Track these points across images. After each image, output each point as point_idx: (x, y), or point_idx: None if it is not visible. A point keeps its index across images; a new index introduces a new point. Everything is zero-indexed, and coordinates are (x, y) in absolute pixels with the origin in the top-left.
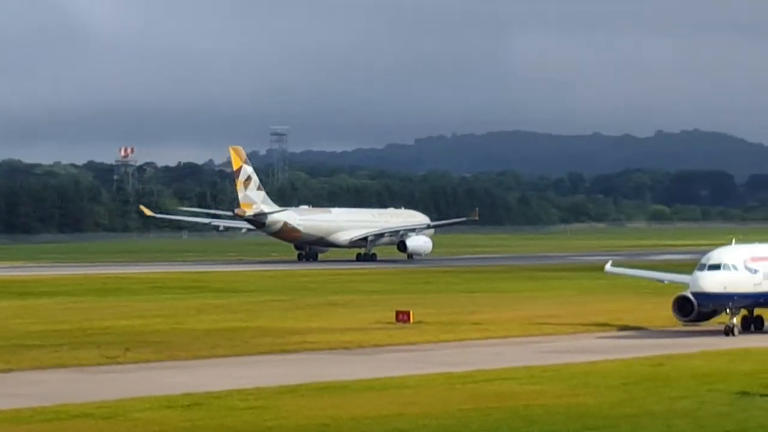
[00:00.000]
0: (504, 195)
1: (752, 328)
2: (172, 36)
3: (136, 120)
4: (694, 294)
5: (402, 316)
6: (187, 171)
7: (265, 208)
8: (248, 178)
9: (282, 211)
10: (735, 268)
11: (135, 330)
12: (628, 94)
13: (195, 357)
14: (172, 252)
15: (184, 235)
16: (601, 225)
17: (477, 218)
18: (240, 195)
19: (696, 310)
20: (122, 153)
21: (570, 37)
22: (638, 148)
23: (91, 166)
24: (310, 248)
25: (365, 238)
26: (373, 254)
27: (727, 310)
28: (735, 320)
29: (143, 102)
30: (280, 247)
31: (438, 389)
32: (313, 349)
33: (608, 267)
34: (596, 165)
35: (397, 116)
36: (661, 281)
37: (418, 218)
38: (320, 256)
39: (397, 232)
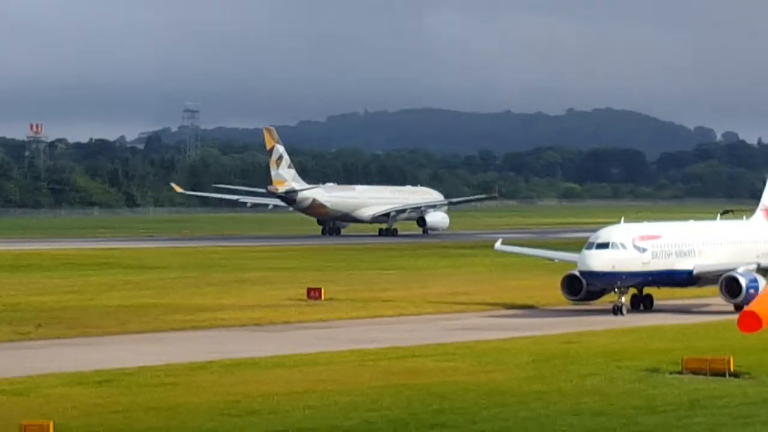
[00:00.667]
0: (415, 172)
1: (642, 307)
2: (82, 13)
3: (48, 97)
4: (582, 273)
5: (313, 293)
6: (99, 147)
7: (296, 186)
8: (280, 157)
9: (311, 188)
10: (623, 246)
11: (46, 306)
12: (539, 73)
13: (106, 333)
14: (84, 228)
15: (96, 211)
16: (512, 202)
17: (496, 195)
18: (272, 173)
19: (585, 289)
20: (32, 130)
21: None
22: (550, 126)
23: (2, 142)
24: (333, 223)
25: (387, 214)
26: (395, 229)
27: (616, 290)
28: (623, 299)
29: (55, 79)
30: (192, 224)
31: (349, 366)
32: (224, 326)
33: (498, 245)
34: (508, 143)
35: (309, 93)
36: (552, 260)
37: (434, 195)
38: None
39: (419, 208)
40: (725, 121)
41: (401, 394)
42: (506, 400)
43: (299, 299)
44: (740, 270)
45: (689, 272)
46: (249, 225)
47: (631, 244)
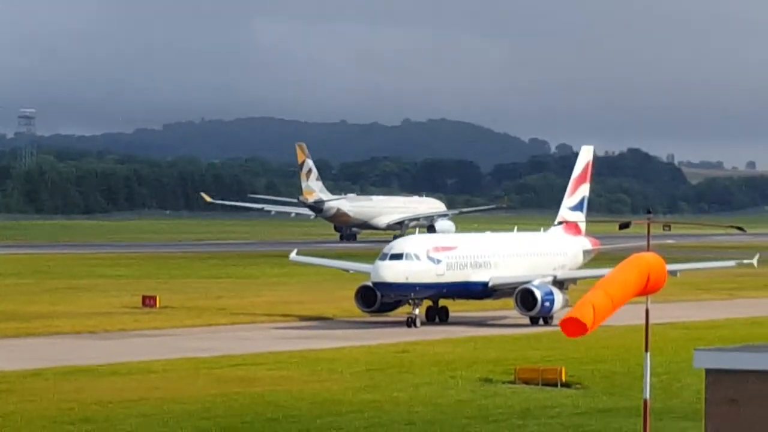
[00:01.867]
0: (251, 181)
1: (437, 319)
2: None
3: None
4: (376, 284)
5: (148, 301)
6: None
7: (323, 197)
8: (309, 170)
9: (336, 199)
10: (417, 257)
11: None
12: (375, 83)
13: None
14: None
15: None
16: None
17: (505, 206)
18: (303, 185)
19: (379, 300)
20: None
21: (318, 26)
22: (386, 136)
23: None
24: (350, 230)
25: (400, 222)
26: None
27: (410, 301)
28: (417, 311)
29: None
30: (26, 232)
31: (184, 374)
32: (58, 333)
33: (293, 255)
34: (344, 152)
35: (145, 101)
36: (347, 270)
37: (437, 204)
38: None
39: (430, 216)
40: (559, 133)
41: (234, 402)
42: (340, 409)
43: (135, 307)
44: (536, 282)
45: (485, 284)
46: (83, 232)
47: (426, 255)
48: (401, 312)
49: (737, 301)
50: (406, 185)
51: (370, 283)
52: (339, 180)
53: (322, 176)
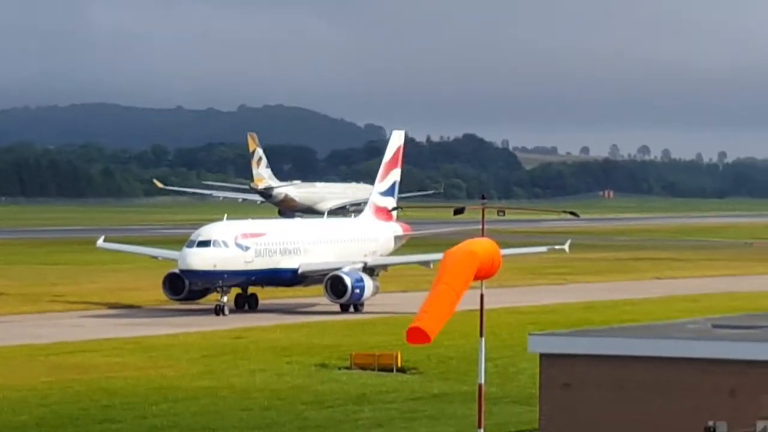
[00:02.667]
0: (87, 167)
1: (246, 307)
2: None
3: None
4: (183, 272)
5: None
6: None
7: (273, 183)
8: (260, 159)
9: (284, 185)
10: (225, 244)
11: None
12: (211, 69)
13: None
14: None
15: None
16: (182, 198)
17: (441, 191)
18: (254, 172)
19: (187, 288)
20: None
21: (151, 10)
22: (222, 122)
23: None
24: (294, 215)
25: (342, 207)
26: None
27: (218, 289)
28: (225, 299)
29: None
30: None
31: (19, 361)
32: None
33: (100, 242)
34: (180, 138)
35: None
36: (156, 257)
37: (371, 189)
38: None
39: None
40: (395, 119)
41: (70, 389)
42: (177, 395)
43: None
44: (346, 269)
45: (294, 271)
46: None
47: (234, 241)
48: (211, 299)
49: (570, 286)
50: (242, 171)
51: (177, 271)
52: (175, 166)
53: (158, 162)
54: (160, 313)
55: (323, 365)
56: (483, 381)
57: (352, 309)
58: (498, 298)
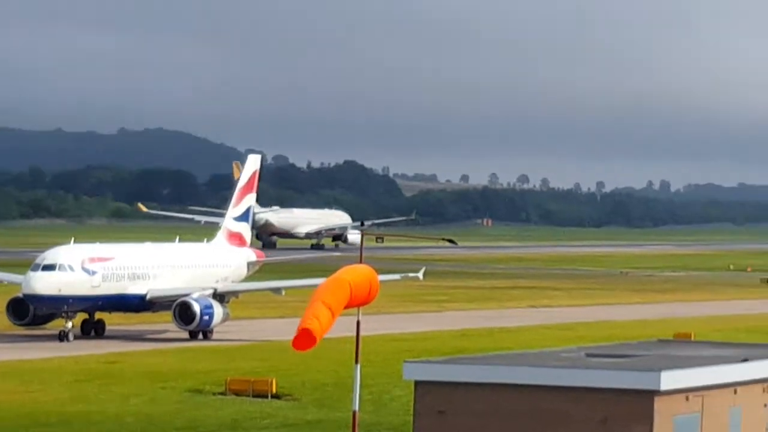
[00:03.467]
0: None
1: (93, 333)
2: None
3: None
4: (27, 296)
5: None
6: None
7: (255, 209)
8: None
9: (265, 212)
10: (71, 268)
11: None
12: (91, 91)
13: None
14: None
15: None
16: (61, 221)
17: (414, 218)
18: None
19: (32, 313)
20: None
21: (31, 31)
22: (102, 145)
23: None
24: (269, 238)
25: (318, 232)
26: (323, 244)
27: (63, 314)
28: (70, 324)
29: None
30: None
31: None
32: None
33: None
34: (59, 161)
35: None
36: (1, 281)
37: (345, 216)
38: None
39: (345, 227)
40: (276, 145)
41: None
42: (49, 420)
43: None
44: (195, 295)
45: (142, 297)
46: None
47: (80, 266)
48: (58, 324)
49: (447, 313)
50: (120, 194)
51: (21, 295)
52: (53, 188)
53: (35, 184)
54: (3, 339)
55: (198, 391)
56: (357, 408)
57: (200, 336)
58: (375, 325)
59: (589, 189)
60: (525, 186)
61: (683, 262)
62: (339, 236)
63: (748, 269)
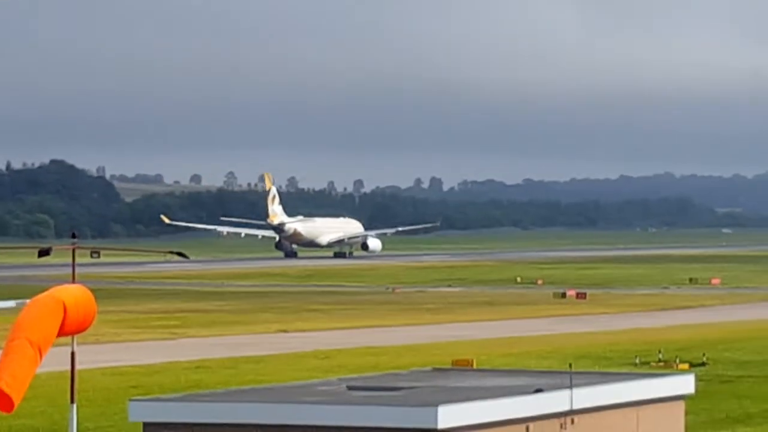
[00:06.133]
0: None
1: None
2: None
3: None
4: None
5: None
6: None
7: (285, 219)
8: (274, 197)
9: (292, 221)
10: None
11: None
12: None
13: None
14: None
15: None
16: None
17: (438, 224)
18: (270, 209)
19: None
20: None
21: None
22: None
23: None
24: (291, 247)
25: (340, 240)
26: (344, 252)
27: None
28: None
29: None
30: None
31: None
32: None
33: None
34: None
35: None
36: None
37: (358, 225)
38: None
39: (366, 236)
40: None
41: None
42: None
43: None
44: None
45: None
46: None
47: None
48: None
49: (181, 341)
50: None
51: None
52: None
53: None
54: None
55: None
56: None
57: None
58: (94, 357)
59: (345, 189)
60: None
61: (461, 274)
62: (364, 244)
63: (538, 282)
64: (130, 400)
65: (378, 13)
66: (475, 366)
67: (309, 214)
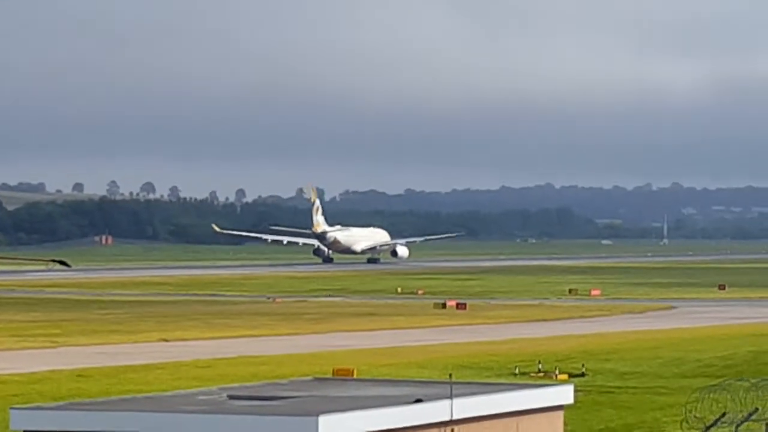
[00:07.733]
0: None
1: None
2: None
3: None
4: None
5: None
6: None
7: (327, 228)
8: (317, 207)
9: (333, 231)
10: None
11: None
12: None
13: None
14: None
15: None
16: None
17: (463, 233)
18: (314, 219)
19: None
20: None
21: None
22: None
23: None
24: (328, 253)
25: (372, 248)
26: (377, 258)
27: None
28: None
29: None
30: None
31: None
32: None
33: None
34: None
35: None
36: None
37: (385, 233)
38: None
39: (395, 243)
40: None
41: None
42: None
43: None
44: None
45: None
46: None
47: None
48: None
49: (62, 349)
50: None
51: None
52: None
53: None
54: None
55: None
56: None
57: None
58: None
59: (227, 198)
60: (151, 196)
61: (341, 284)
62: (393, 251)
63: (419, 292)
64: (11, 408)
65: (256, 23)
66: (356, 375)
67: (188, 225)
